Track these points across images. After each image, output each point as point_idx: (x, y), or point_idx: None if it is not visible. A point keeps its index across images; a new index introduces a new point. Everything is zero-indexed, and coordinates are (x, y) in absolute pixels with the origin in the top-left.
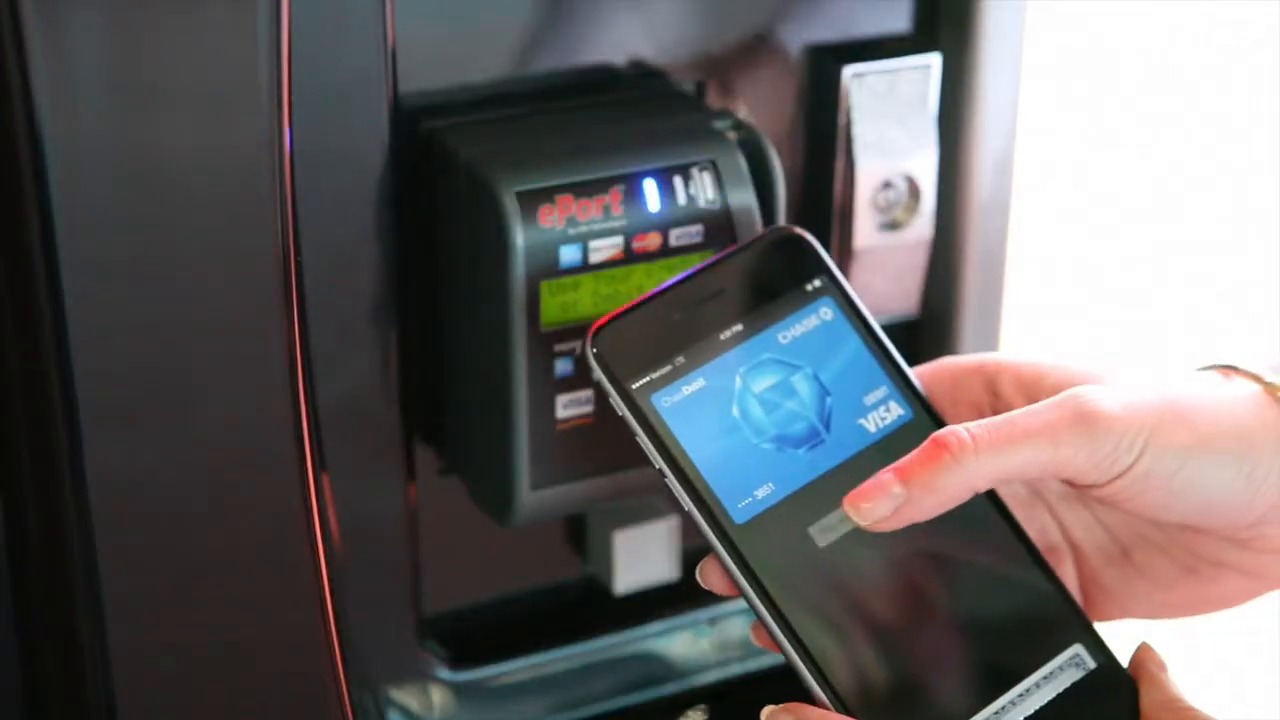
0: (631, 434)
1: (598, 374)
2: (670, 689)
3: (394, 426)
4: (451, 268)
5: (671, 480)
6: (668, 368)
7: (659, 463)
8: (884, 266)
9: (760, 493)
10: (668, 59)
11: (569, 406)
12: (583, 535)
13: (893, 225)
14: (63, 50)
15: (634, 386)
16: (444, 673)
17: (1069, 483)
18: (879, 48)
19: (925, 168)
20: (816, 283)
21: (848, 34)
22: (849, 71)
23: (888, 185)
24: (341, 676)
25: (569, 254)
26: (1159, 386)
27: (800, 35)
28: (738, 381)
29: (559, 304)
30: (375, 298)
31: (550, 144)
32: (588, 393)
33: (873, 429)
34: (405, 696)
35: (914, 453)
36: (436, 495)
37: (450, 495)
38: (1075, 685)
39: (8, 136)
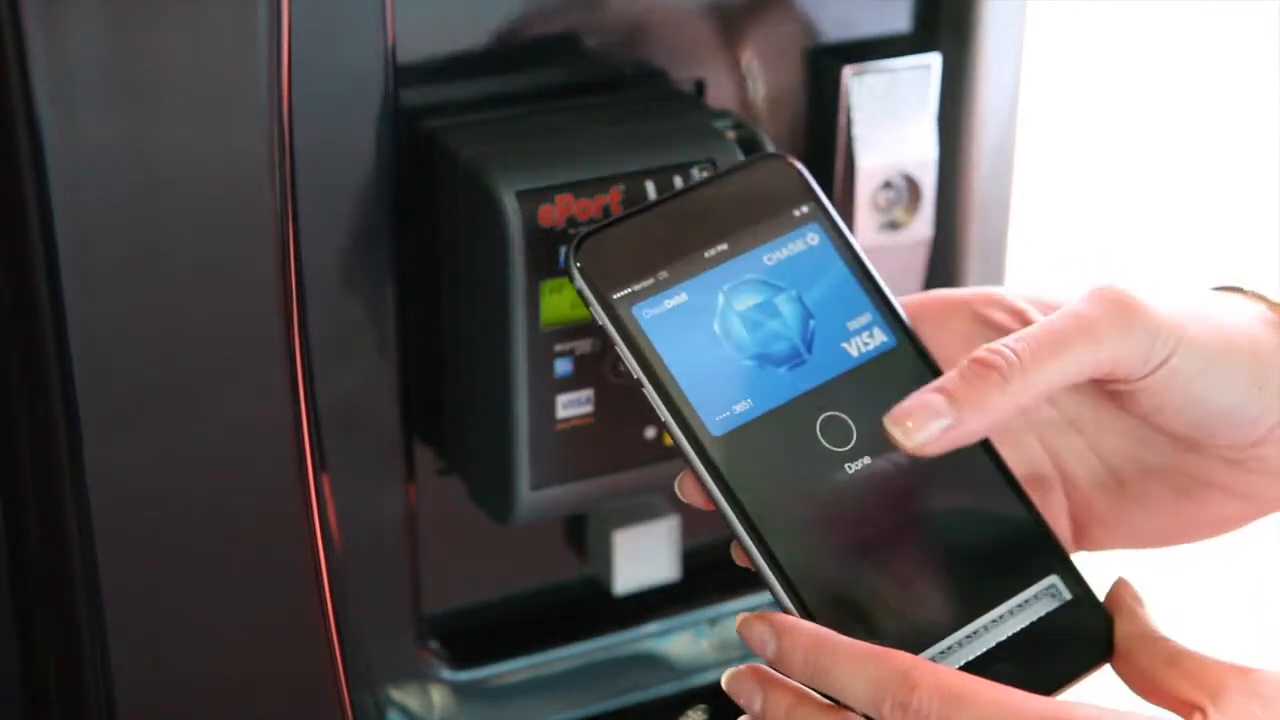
0: (611, 344)
1: (579, 284)
2: (670, 689)
3: (394, 426)
4: (451, 268)
5: (650, 391)
6: (650, 280)
7: (638, 373)
8: (884, 266)
9: (739, 408)
10: (668, 59)
11: (569, 406)
12: (583, 535)
13: (893, 225)
14: (63, 50)
15: (615, 297)
16: (444, 673)
17: (1103, 381)
18: (879, 48)
19: (925, 168)
20: (804, 208)
21: (848, 34)
22: (849, 71)
23: (888, 185)
24: (341, 676)
25: None
26: (1184, 291)
27: (800, 35)
28: (720, 298)
29: (559, 304)
30: (375, 298)
31: (550, 144)
32: (588, 393)
33: (855, 353)
34: (405, 696)
35: (955, 373)
36: (436, 495)
37: (450, 495)
38: (1049, 615)
39: (8, 136)
